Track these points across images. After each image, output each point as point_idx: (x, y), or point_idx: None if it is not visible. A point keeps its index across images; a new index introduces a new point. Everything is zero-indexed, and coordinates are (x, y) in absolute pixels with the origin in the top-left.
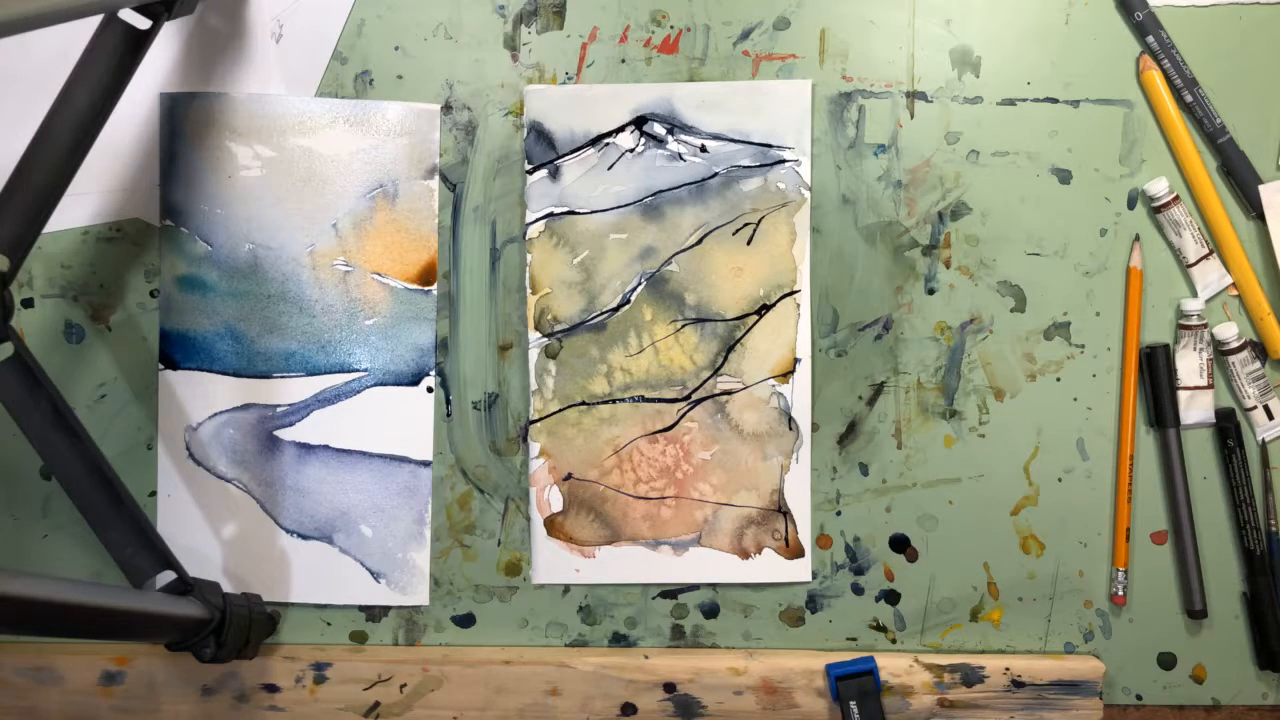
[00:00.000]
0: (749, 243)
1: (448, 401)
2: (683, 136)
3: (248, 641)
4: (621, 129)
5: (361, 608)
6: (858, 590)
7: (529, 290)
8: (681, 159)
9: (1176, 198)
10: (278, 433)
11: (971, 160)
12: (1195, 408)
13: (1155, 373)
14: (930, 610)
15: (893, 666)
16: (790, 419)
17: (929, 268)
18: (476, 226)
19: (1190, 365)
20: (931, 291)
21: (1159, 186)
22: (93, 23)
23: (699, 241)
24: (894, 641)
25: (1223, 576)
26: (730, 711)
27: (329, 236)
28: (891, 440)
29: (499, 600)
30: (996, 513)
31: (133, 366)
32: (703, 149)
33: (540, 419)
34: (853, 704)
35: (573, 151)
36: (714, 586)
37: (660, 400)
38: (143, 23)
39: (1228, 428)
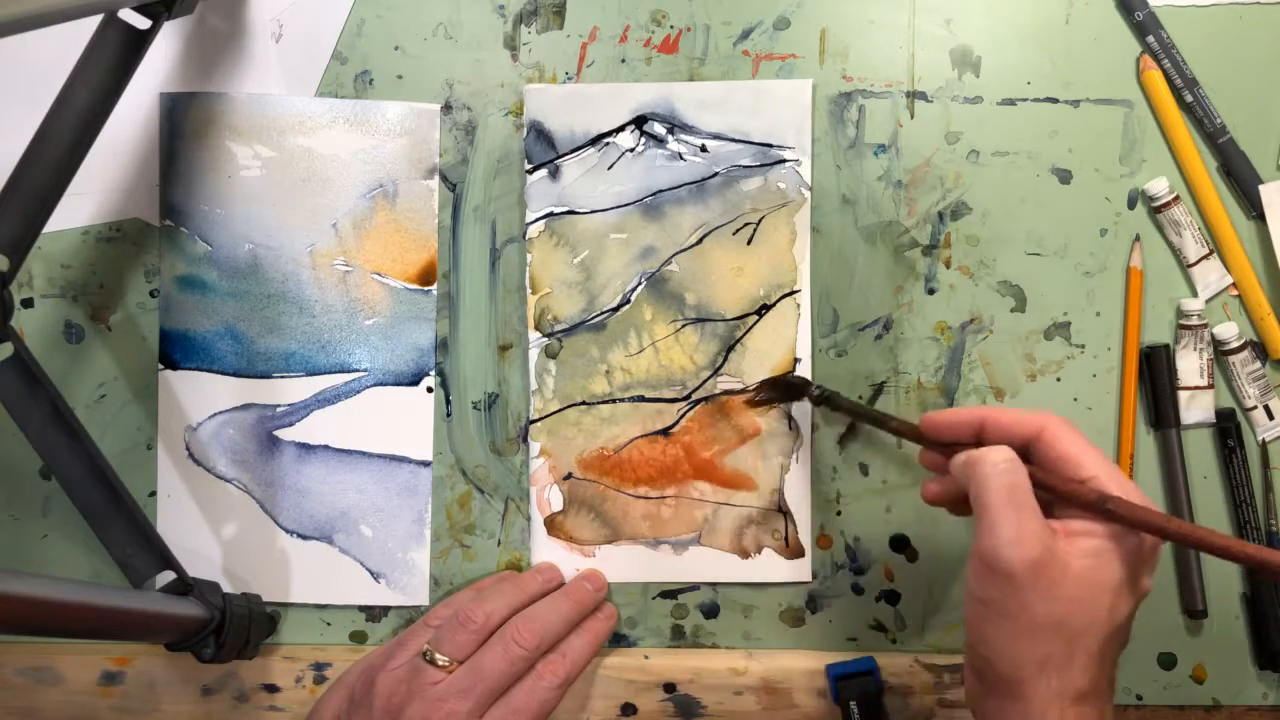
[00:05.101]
0: (749, 243)
1: (448, 401)
2: (683, 136)
3: (248, 641)
4: (621, 129)
5: (361, 608)
6: (858, 590)
7: (529, 290)
8: (681, 159)
9: (1176, 198)
10: (278, 433)
11: (971, 160)
12: (1195, 408)
13: (1155, 373)
14: (930, 610)
15: (893, 666)
16: (790, 419)
17: (929, 268)
18: (476, 226)
19: (1190, 365)
20: (931, 291)
21: (1159, 186)
22: (93, 23)
23: (699, 241)
24: (894, 641)
25: (1223, 576)
26: (730, 711)
27: (329, 236)
28: (892, 440)
29: None
30: None
31: (133, 366)
32: (703, 149)
33: (540, 419)
34: (853, 704)
35: (573, 151)
36: (714, 586)
37: (660, 400)
38: (143, 23)
39: (1228, 428)
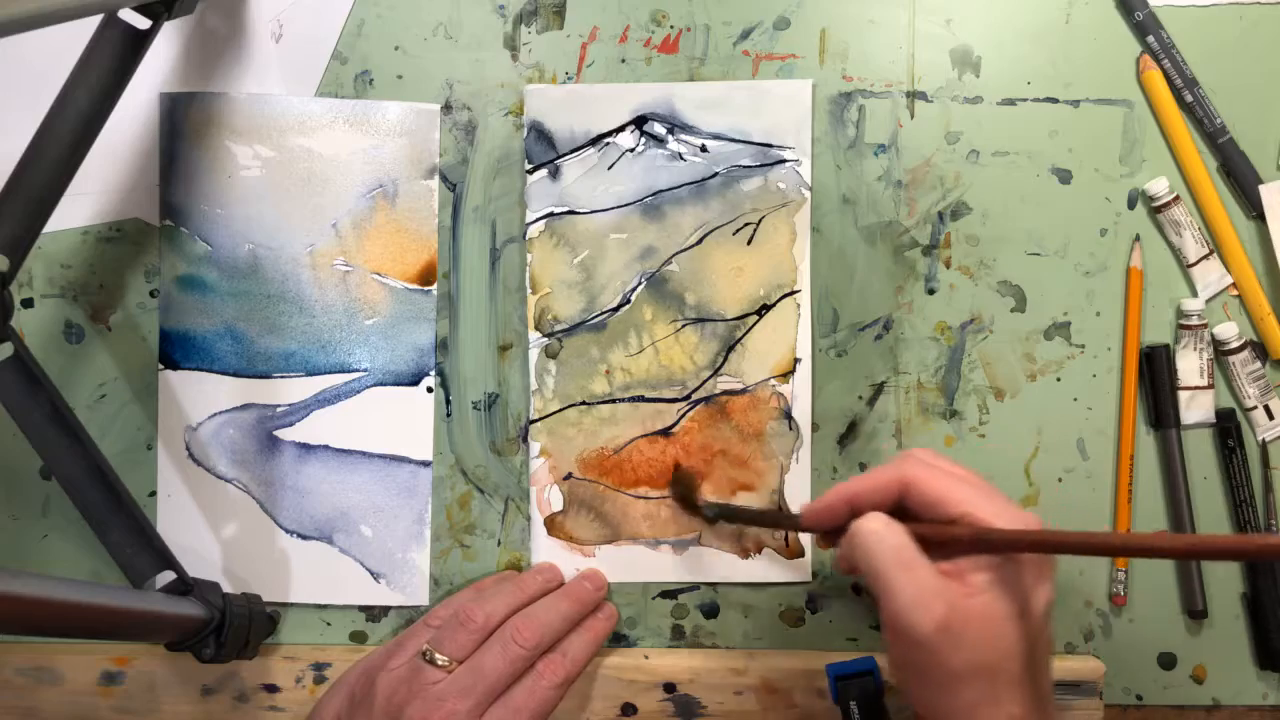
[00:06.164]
0: (749, 243)
1: (448, 401)
2: (683, 136)
3: (248, 642)
4: (621, 129)
5: (361, 608)
6: (858, 590)
7: (529, 290)
8: (682, 159)
9: (1177, 198)
10: (278, 433)
11: (971, 160)
12: (1195, 408)
13: (1155, 373)
14: None
15: None
16: (790, 419)
17: (929, 268)
18: (476, 226)
19: (1190, 365)
20: (931, 291)
21: (1159, 186)
22: (93, 23)
23: (699, 241)
24: None
25: (1223, 576)
26: (730, 711)
27: (329, 236)
28: (892, 440)
29: None
30: None
31: (133, 366)
32: (703, 149)
33: (540, 419)
34: (853, 704)
35: (573, 151)
36: (714, 586)
37: (660, 400)
38: (143, 23)
39: (1228, 428)
